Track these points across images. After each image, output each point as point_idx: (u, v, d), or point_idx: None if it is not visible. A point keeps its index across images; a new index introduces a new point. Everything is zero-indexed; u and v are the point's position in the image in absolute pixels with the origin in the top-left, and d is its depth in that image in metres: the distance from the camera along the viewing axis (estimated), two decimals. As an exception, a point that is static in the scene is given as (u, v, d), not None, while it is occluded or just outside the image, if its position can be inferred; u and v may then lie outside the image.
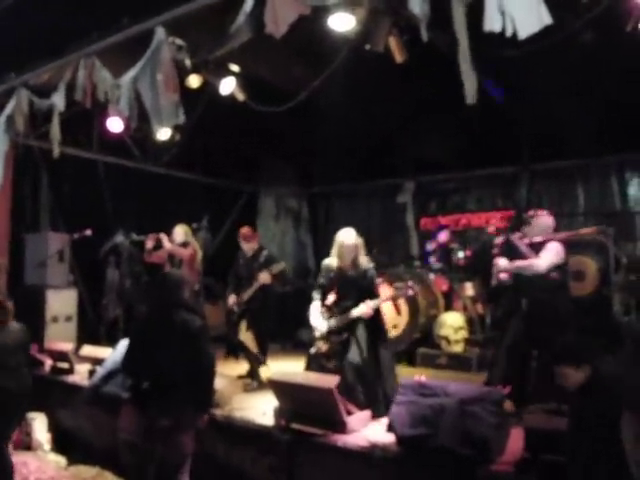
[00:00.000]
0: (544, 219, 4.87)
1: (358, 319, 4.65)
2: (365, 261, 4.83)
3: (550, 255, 4.63)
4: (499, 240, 4.93)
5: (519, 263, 4.68)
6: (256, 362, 5.94)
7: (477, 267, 7.60)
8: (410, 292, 4.85)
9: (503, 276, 4.86)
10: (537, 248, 4.71)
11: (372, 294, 4.72)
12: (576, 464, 2.73)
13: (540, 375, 4.44)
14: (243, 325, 5.97)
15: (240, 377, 6.16)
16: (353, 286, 4.72)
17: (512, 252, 4.81)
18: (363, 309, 4.58)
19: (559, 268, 4.68)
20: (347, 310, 4.68)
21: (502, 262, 4.77)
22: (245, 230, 6.25)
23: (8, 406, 4.26)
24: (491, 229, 5.06)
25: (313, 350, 4.80)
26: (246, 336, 5.94)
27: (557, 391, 4.26)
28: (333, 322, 4.71)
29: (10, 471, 4.27)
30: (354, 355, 4.60)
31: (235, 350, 6.36)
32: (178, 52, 5.22)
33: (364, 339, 4.64)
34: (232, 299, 6.09)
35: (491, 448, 3.35)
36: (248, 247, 6.16)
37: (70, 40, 5.51)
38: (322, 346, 4.74)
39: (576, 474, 2.71)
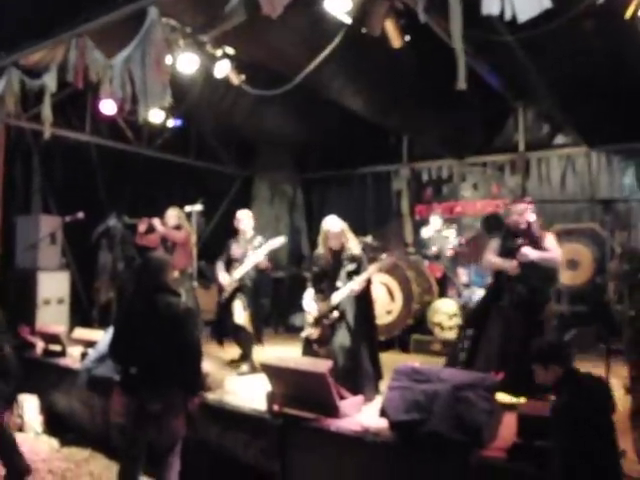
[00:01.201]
0: (519, 206, 4.87)
1: (347, 301, 4.64)
2: (354, 244, 4.82)
3: (557, 247, 4.72)
4: (524, 227, 4.79)
5: (545, 255, 4.62)
6: (250, 344, 5.91)
7: (471, 254, 7.59)
8: (392, 259, 4.81)
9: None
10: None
11: (358, 272, 4.71)
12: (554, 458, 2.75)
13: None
14: (237, 305, 5.91)
15: (232, 361, 6.15)
16: (344, 270, 4.71)
17: (533, 242, 4.73)
18: (351, 286, 4.58)
19: None
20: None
21: (531, 252, 4.61)
22: (245, 213, 6.28)
23: None
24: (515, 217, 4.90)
25: (304, 333, 4.81)
26: (243, 316, 5.88)
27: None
28: (324, 304, 4.70)
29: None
30: (344, 337, 4.61)
31: (221, 334, 6.29)
32: (171, 33, 5.15)
33: (353, 320, 4.64)
34: (223, 277, 6.04)
35: (483, 434, 3.35)
36: (243, 233, 6.15)
37: (61, 19, 5.41)
38: (314, 331, 4.73)
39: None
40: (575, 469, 2.57)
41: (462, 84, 3.84)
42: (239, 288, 5.95)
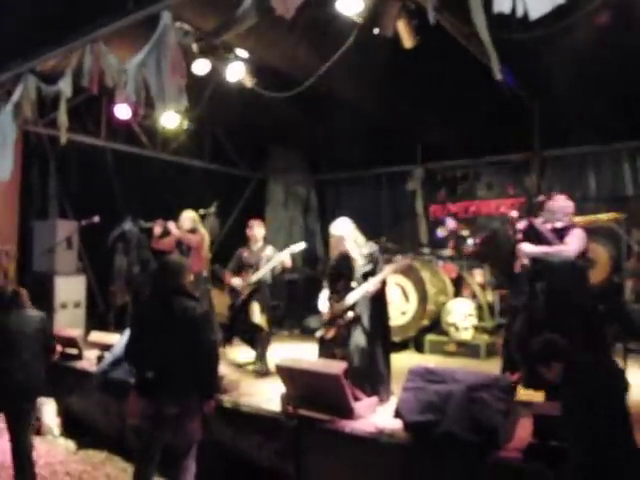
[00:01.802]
0: (563, 203, 4.76)
1: (362, 302, 4.63)
2: (363, 243, 4.79)
3: (577, 241, 4.56)
4: (522, 225, 4.78)
5: (546, 249, 4.57)
6: (267, 345, 5.96)
7: (487, 254, 7.55)
8: (407, 261, 4.77)
9: (524, 262, 4.78)
10: (559, 234, 4.63)
11: (374, 273, 4.67)
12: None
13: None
14: (255, 307, 5.94)
15: (245, 364, 6.16)
16: (359, 270, 4.69)
17: (535, 237, 4.69)
18: (366, 287, 4.56)
19: (583, 255, 4.62)
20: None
21: (527, 247, 4.64)
22: (256, 222, 6.35)
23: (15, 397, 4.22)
24: (514, 214, 4.93)
25: (319, 333, 4.81)
26: (261, 319, 5.92)
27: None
28: (339, 305, 4.69)
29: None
30: (359, 338, 4.59)
31: (231, 334, 6.35)
32: (184, 37, 5.19)
33: (368, 321, 4.62)
34: (237, 280, 6.05)
35: (498, 434, 3.33)
36: (255, 240, 6.20)
37: (76, 25, 5.47)
38: (329, 331, 4.72)
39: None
40: (591, 457, 2.54)
41: (498, 74, 3.83)
42: (255, 290, 5.97)
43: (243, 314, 6.01)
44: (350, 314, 4.64)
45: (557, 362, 2.83)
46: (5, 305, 4.40)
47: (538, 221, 4.76)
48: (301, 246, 5.92)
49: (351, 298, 4.63)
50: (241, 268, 6.14)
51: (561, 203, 4.76)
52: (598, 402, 2.59)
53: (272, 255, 5.94)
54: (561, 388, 2.83)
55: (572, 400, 2.69)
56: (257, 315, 5.92)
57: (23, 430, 4.26)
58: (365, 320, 4.63)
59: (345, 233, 4.76)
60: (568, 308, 4.45)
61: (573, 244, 4.55)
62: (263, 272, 5.93)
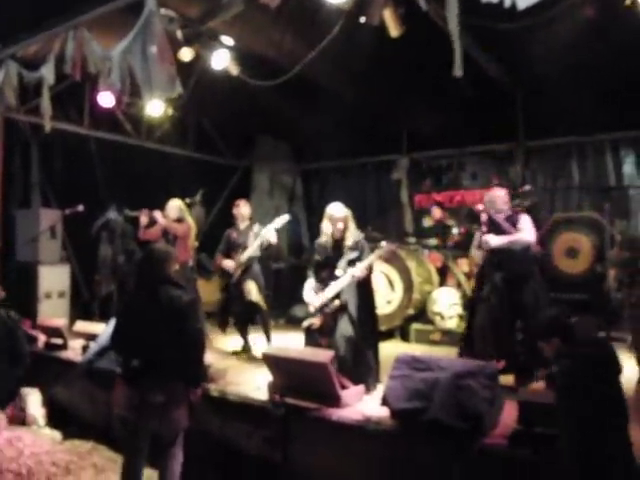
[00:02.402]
0: (499, 193, 5.01)
1: (348, 290, 4.64)
2: (356, 232, 4.83)
3: (529, 225, 4.81)
4: (484, 218, 4.97)
5: (509, 237, 4.75)
6: (269, 322, 6.20)
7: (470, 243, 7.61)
8: (392, 247, 4.80)
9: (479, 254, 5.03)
10: (510, 221, 4.86)
11: (361, 261, 4.69)
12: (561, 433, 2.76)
13: (528, 345, 4.49)
14: (251, 285, 6.02)
15: (235, 353, 6.18)
16: (344, 259, 4.70)
17: (494, 228, 4.89)
18: (352, 272, 4.56)
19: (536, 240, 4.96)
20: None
21: (492, 238, 4.80)
22: (242, 201, 6.45)
23: None
24: (479, 207, 5.10)
25: (305, 323, 4.81)
26: (258, 297, 6.03)
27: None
28: (324, 294, 4.70)
29: None
30: (346, 327, 4.61)
31: (225, 321, 6.41)
32: (169, 24, 5.14)
33: (355, 310, 4.64)
34: (228, 262, 6.12)
35: (484, 421, 3.37)
36: (242, 218, 6.29)
37: (58, 11, 5.38)
38: (315, 320, 4.73)
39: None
40: (585, 437, 2.56)
41: (458, 71, 3.84)
42: (247, 269, 6.05)
43: (238, 294, 6.06)
44: (336, 302, 4.64)
45: (557, 338, 2.86)
46: None
47: (492, 212, 4.94)
48: (285, 218, 6.02)
49: (337, 285, 4.64)
50: (230, 249, 6.21)
51: (497, 193, 5.02)
52: (592, 384, 2.62)
53: (259, 232, 6.01)
54: (556, 368, 2.85)
55: (564, 375, 2.71)
56: (254, 293, 6.00)
57: None
58: (352, 308, 4.64)
59: (348, 213, 4.81)
60: (527, 293, 4.66)
61: (528, 229, 4.79)
62: (252, 250, 5.99)
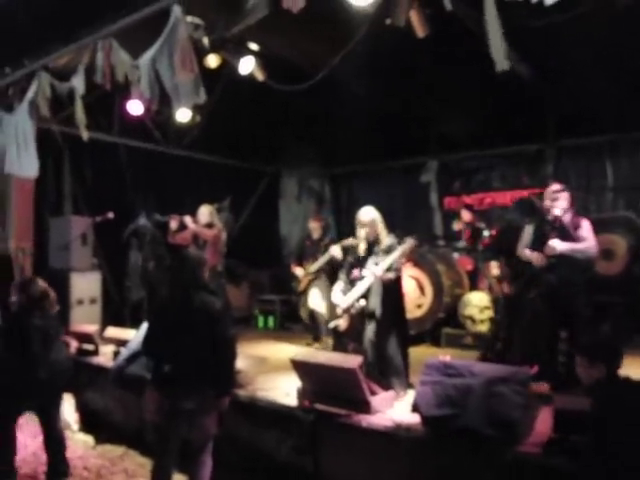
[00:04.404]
0: (565, 191, 4.71)
1: (375, 293, 4.61)
2: (388, 236, 4.79)
3: (592, 235, 4.53)
4: (553, 218, 4.61)
5: (575, 247, 4.47)
6: (320, 327, 6.80)
7: (502, 246, 7.47)
8: (413, 241, 4.72)
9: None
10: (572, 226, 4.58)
11: (390, 268, 4.63)
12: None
13: (572, 356, 4.32)
14: (314, 293, 6.84)
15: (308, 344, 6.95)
16: (373, 260, 4.67)
17: (562, 232, 4.57)
18: (373, 271, 4.53)
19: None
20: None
21: (558, 244, 4.47)
22: (314, 216, 7.64)
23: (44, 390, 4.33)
24: (557, 212, 4.74)
25: (332, 324, 4.81)
26: (320, 304, 6.78)
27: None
28: (351, 294, 4.68)
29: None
30: (372, 331, 4.58)
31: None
32: (195, 31, 5.17)
33: (381, 313, 4.59)
34: (299, 270, 7.01)
35: (518, 429, 3.29)
36: (315, 228, 7.08)
37: (86, 22, 5.46)
38: (342, 322, 4.70)
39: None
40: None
41: (502, 65, 3.74)
42: (315, 279, 6.84)
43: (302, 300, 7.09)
44: (361, 302, 4.61)
45: (603, 365, 2.71)
46: (34, 308, 4.40)
47: (560, 215, 4.63)
48: (351, 241, 6.20)
49: (361, 286, 4.62)
50: (301, 258, 7.08)
51: (565, 191, 4.69)
52: (624, 424, 2.50)
53: (331, 243, 6.68)
54: (591, 393, 2.75)
55: (600, 414, 2.59)
56: (314, 300, 6.84)
57: (55, 419, 4.46)
58: (378, 313, 4.61)
59: (377, 216, 4.81)
60: (578, 303, 4.42)
61: (592, 239, 4.50)
62: (320, 263, 6.77)
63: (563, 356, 4.38)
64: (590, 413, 2.66)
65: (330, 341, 6.29)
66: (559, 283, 4.48)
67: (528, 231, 4.82)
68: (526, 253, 4.69)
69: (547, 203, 4.68)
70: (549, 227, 4.61)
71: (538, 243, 4.62)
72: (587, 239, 4.50)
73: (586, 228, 4.55)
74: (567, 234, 4.53)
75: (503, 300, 6.64)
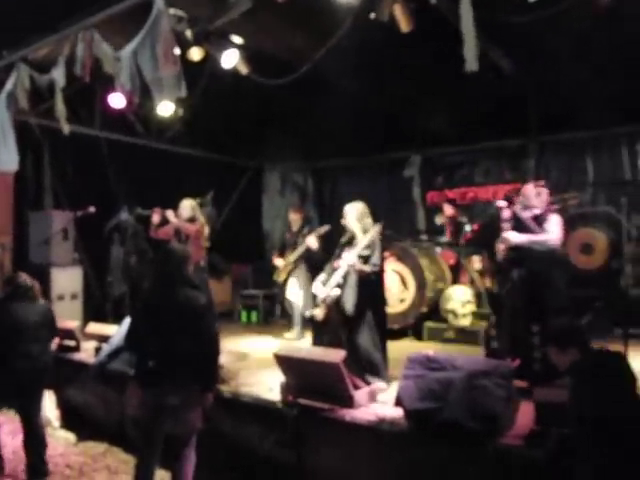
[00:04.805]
0: (538, 189, 4.82)
1: (350, 285, 4.69)
2: (358, 230, 4.85)
3: (558, 228, 4.60)
4: (507, 214, 4.79)
5: (532, 237, 4.57)
6: (298, 315, 7.01)
7: (484, 240, 7.52)
8: (380, 226, 4.82)
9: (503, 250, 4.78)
10: (538, 221, 4.66)
11: (368, 260, 4.71)
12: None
13: (545, 350, 4.36)
14: (292, 283, 7.07)
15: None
16: (351, 251, 4.75)
17: (519, 226, 4.70)
18: (347, 260, 4.65)
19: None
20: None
21: (513, 235, 4.63)
22: (293, 208, 7.74)
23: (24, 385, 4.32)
24: (501, 203, 4.91)
25: (307, 313, 4.88)
26: (297, 294, 7.04)
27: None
28: (328, 284, 4.75)
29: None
30: (345, 325, 4.69)
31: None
32: (178, 23, 5.12)
33: (353, 305, 4.67)
34: (279, 260, 7.25)
35: (500, 422, 3.32)
36: (295, 220, 7.33)
37: (68, 13, 5.38)
38: (318, 312, 4.76)
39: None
40: (595, 455, 2.50)
41: (471, 65, 3.77)
42: (293, 269, 7.06)
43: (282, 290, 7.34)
44: (336, 291, 4.68)
45: (575, 349, 2.75)
46: (20, 297, 4.45)
47: (519, 209, 4.76)
48: (325, 228, 6.82)
49: (337, 275, 4.71)
50: (283, 249, 7.32)
51: (535, 190, 4.81)
52: (605, 402, 2.52)
53: (307, 233, 6.91)
54: (570, 376, 2.77)
55: (581, 394, 2.63)
56: (291, 291, 7.08)
57: (35, 416, 4.43)
58: (352, 306, 4.69)
59: (348, 210, 4.94)
60: (548, 296, 4.47)
61: (556, 232, 4.58)
62: (296, 254, 6.97)
63: (538, 351, 4.40)
64: (570, 393, 2.68)
65: (299, 331, 6.95)
66: (527, 277, 4.56)
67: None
68: (498, 249, 4.79)
69: (522, 201, 4.81)
70: (507, 222, 4.75)
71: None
72: (550, 232, 4.57)
73: (553, 221, 4.63)
74: (524, 227, 4.62)
75: (487, 295, 6.71)
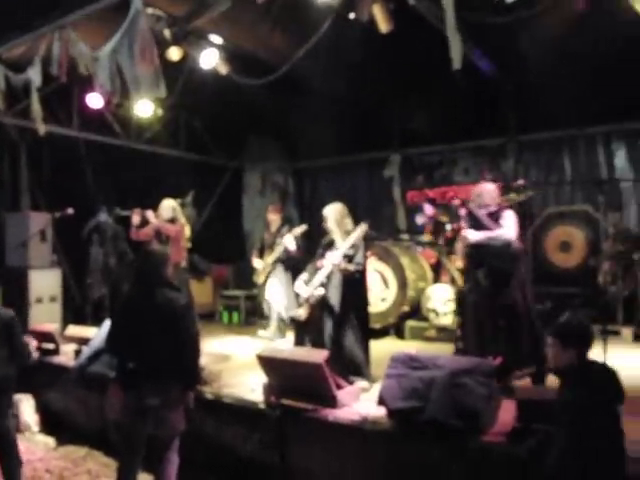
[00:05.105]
0: (489, 187, 4.89)
1: (334, 285, 4.72)
2: (352, 231, 4.84)
3: (512, 222, 4.67)
4: (463, 212, 4.87)
5: (489, 233, 4.63)
6: (275, 315, 6.88)
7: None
8: (365, 225, 4.83)
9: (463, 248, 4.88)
10: (494, 217, 4.72)
11: (352, 259, 4.73)
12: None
13: (511, 343, 4.42)
14: (271, 284, 6.90)
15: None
16: (334, 251, 4.76)
17: (475, 224, 4.78)
18: (331, 260, 4.67)
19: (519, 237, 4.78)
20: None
21: (471, 233, 4.70)
22: (271, 207, 7.48)
23: None
24: (456, 202, 5.00)
25: (292, 313, 4.87)
26: (274, 296, 6.89)
27: (532, 354, 4.31)
28: (311, 284, 4.76)
29: None
30: (328, 325, 4.70)
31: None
32: (156, 23, 5.08)
33: (339, 306, 4.69)
34: (258, 262, 7.07)
35: (482, 419, 3.34)
36: (273, 220, 7.14)
37: (44, 11, 5.31)
38: (302, 312, 4.78)
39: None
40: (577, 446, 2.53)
41: (457, 64, 3.79)
42: (272, 270, 6.89)
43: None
44: (320, 291, 4.70)
45: (575, 350, 2.70)
46: None
47: (474, 207, 4.83)
48: (302, 228, 6.73)
49: (320, 275, 4.72)
50: (262, 250, 7.14)
51: (486, 187, 4.89)
52: (594, 411, 2.55)
53: (285, 233, 6.76)
54: (560, 378, 2.79)
55: (571, 401, 2.63)
56: (270, 292, 6.90)
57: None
58: (337, 306, 4.71)
59: (327, 212, 4.94)
60: (510, 291, 4.52)
61: (511, 226, 4.65)
62: (275, 255, 6.81)
63: (504, 345, 4.44)
64: (560, 398, 2.70)
65: (274, 330, 6.86)
66: (487, 274, 4.60)
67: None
68: (459, 250, 4.84)
69: (475, 200, 4.88)
70: (467, 222, 4.84)
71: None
72: (503, 226, 4.64)
73: (508, 217, 4.69)
74: (481, 225, 4.69)
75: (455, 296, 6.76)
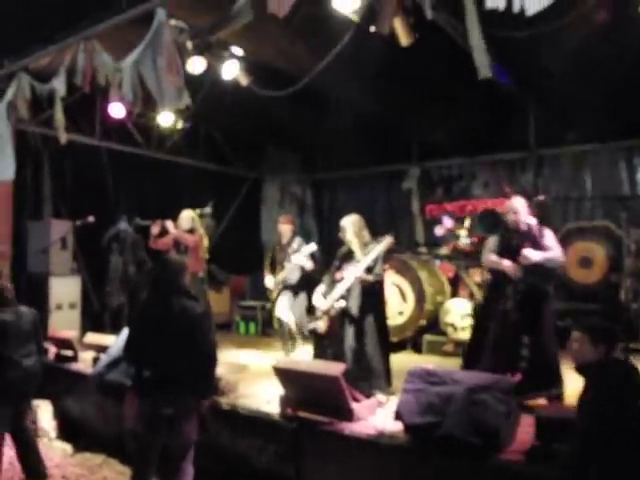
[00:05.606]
0: (523, 201, 4.69)
1: (354, 297, 4.68)
2: (356, 245, 4.83)
3: (557, 243, 4.54)
4: (524, 228, 4.56)
5: (546, 255, 4.43)
6: (286, 337, 6.34)
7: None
8: (390, 239, 4.76)
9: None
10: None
11: (371, 271, 4.69)
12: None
13: (535, 362, 4.33)
14: (281, 301, 6.30)
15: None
16: (354, 264, 4.73)
17: (520, 241, 4.55)
18: (354, 273, 4.61)
19: None
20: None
21: (533, 254, 4.40)
22: (283, 218, 6.70)
23: (9, 394, 4.30)
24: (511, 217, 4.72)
25: (311, 325, 4.83)
26: (286, 313, 6.31)
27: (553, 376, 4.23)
28: (331, 296, 4.73)
29: None
30: (350, 337, 4.65)
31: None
32: (179, 35, 5.14)
33: (359, 316, 4.66)
34: (269, 279, 6.43)
35: (500, 437, 3.29)
36: (284, 231, 6.48)
37: (69, 23, 5.41)
38: (321, 324, 4.74)
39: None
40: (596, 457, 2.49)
41: (485, 72, 3.77)
42: (284, 288, 6.31)
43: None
44: (340, 303, 4.65)
45: (605, 348, 2.69)
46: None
47: (514, 225, 4.61)
48: (312, 247, 6.09)
49: (341, 287, 4.67)
50: (274, 265, 6.51)
51: (522, 201, 4.68)
52: (620, 411, 2.51)
53: (297, 248, 6.16)
54: (587, 375, 2.74)
55: (598, 400, 2.58)
56: (280, 309, 6.29)
57: (24, 420, 4.47)
58: (357, 317, 4.67)
59: (345, 224, 4.90)
60: (544, 308, 4.45)
61: (556, 246, 4.51)
62: (284, 274, 6.24)
63: (524, 362, 4.35)
64: (587, 395, 2.65)
65: (290, 345, 6.39)
66: (528, 291, 4.46)
67: (491, 242, 4.80)
68: (496, 260, 4.63)
69: (511, 216, 4.64)
70: (517, 238, 4.58)
71: (506, 254, 4.57)
72: (553, 247, 4.49)
73: (549, 237, 4.55)
74: (537, 244, 4.50)
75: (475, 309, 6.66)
